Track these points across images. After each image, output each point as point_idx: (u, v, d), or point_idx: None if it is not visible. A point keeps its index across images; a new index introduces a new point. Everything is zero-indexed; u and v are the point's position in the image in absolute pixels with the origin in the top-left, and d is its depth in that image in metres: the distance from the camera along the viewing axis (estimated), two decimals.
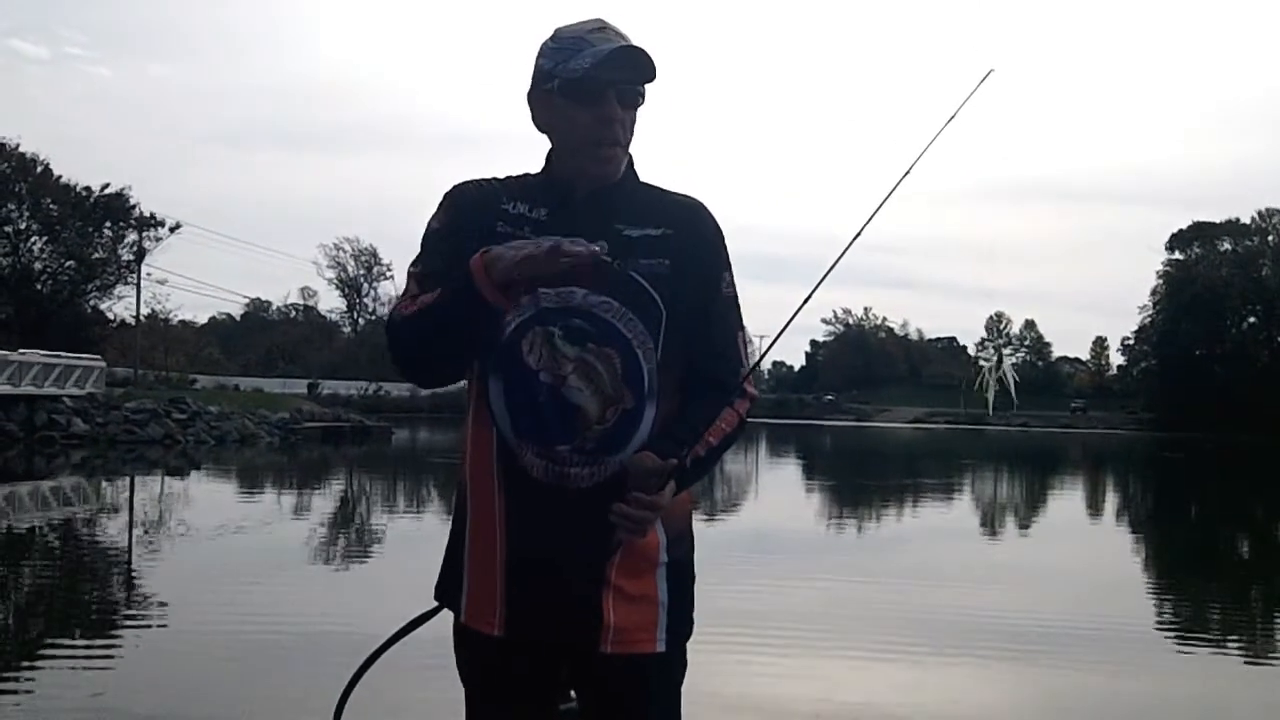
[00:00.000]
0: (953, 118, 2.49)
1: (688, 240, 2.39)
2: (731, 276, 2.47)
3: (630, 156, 2.42)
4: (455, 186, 2.45)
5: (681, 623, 2.42)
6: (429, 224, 2.43)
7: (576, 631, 2.32)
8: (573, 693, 2.47)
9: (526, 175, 2.46)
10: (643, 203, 2.41)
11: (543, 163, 2.45)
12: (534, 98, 2.40)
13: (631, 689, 2.37)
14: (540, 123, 2.42)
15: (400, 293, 2.46)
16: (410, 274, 2.39)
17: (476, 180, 2.45)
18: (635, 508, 2.23)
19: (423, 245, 2.42)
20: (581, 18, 2.39)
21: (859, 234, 2.43)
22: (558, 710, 2.48)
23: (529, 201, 2.39)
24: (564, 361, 2.30)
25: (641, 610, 2.35)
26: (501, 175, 2.47)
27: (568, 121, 2.35)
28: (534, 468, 2.33)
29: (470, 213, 2.39)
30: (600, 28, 2.34)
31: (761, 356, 2.55)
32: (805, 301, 2.40)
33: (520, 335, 2.32)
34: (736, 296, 2.48)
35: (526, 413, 2.32)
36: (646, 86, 2.38)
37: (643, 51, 2.30)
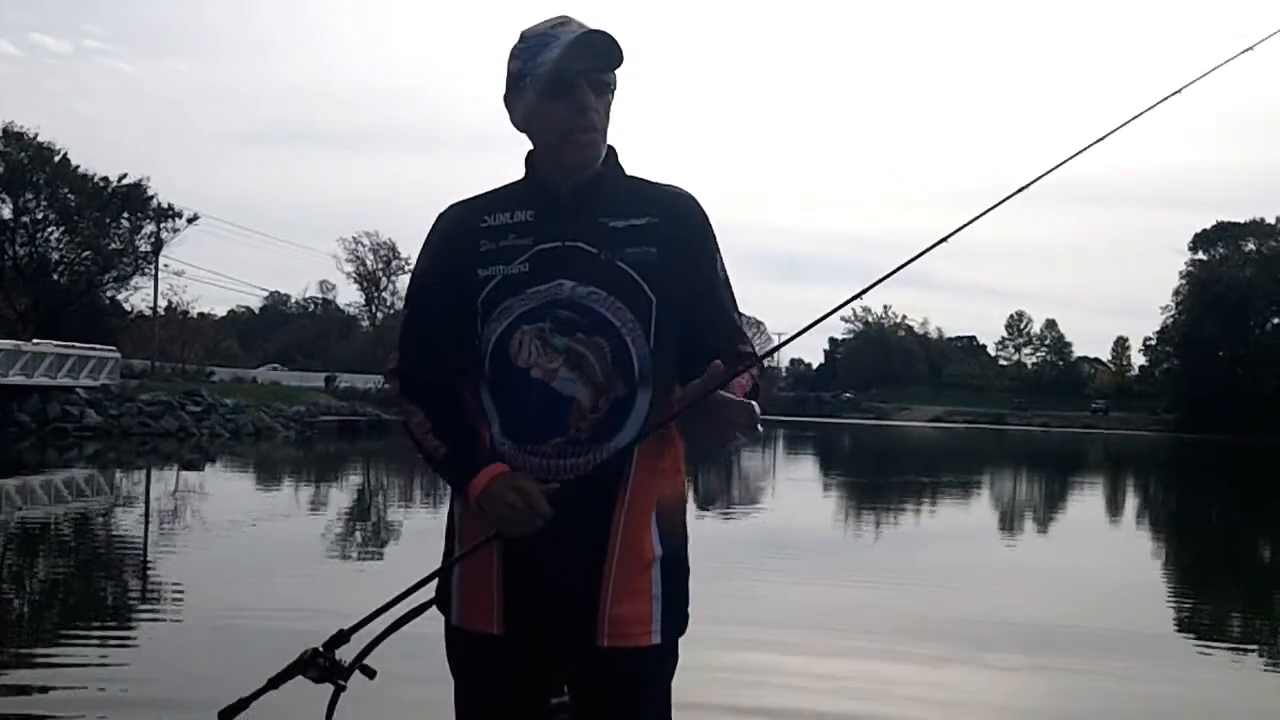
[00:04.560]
0: (1178, 92, 2.57)
1: (674, 228, 2.41)
2: (721, 260, 2.50)
3: (613, 149, 2.45)
4: (438, 217, 2.50)
5: (676, 617, 2.42)
6: (416, 264, 2.53)
7: (574, 626, 2.33)
8: (565, 687, 2.48)
9: (509, 185, 2.49)
10: (627, 194, 2.43)
11: (523, 169, 2.49)
12: (510, 100, 2.44)
13: (626, 682, 2.37)
14: (518, 123, 2.45)
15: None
16: (403, 319, 2.57)
17: (457, 204, 2.50)
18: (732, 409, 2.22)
19: (410, 289, 2.55)
20: (546, 15, 2.42)
21: (945, 239, 2.46)
22: (549, 705, 2.48)
23: (510, 209, 2.42)
24: (554, 355, 2.32)
25: (638, 604, 2.35)
26: (487, 189, 2.51)
27: (544, 117, 2.37)
28: (526, 466, 2.32)
29: (450, 244, 2.44)
30: (563, 22, 2.37)
31: (774, 349, 2.62)
32: (848, 303, 2.44)
33: (509, 336, 2.35)
34: (728, 279, 2.52)
35: (517, 411, 2.35)
36: (619, 74, 2.40)
37: (606, 35, 2.31)
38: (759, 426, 2.27)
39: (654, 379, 2.35)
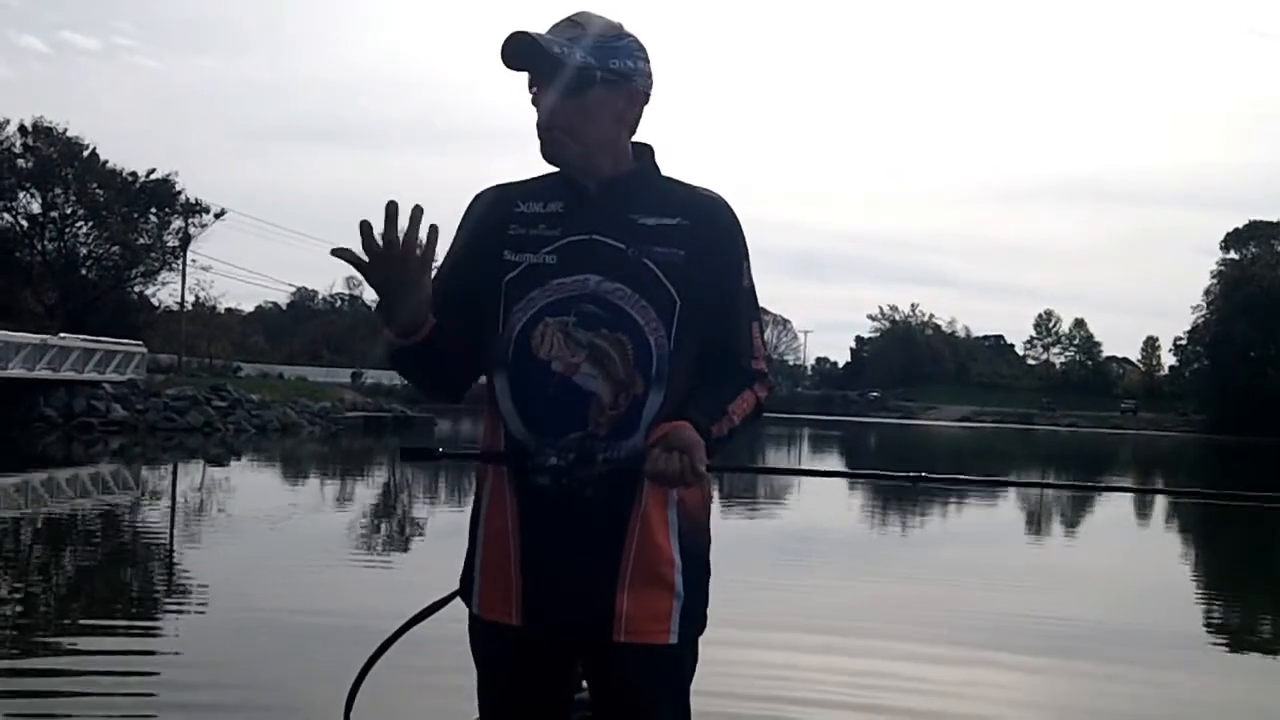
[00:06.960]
0: None
1: (704, 231, 2.41)
2: (749, 267, 2.48)
3: (649, 148, 2.46)
4: (475, 196, 2.52)
5: (695, 616, 2.41)
6: (451, 242, 2.52)
7: (591, 620, 2.33)
8: (584, 683, 2.49)
9: (545, 175, 2.48)
10: (660, 193, 2.43)
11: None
12: None
13: (642, 680, 2.37)
14: None
15: None
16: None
17: (496, 186, 2.51)
18: (674, 459, 2.20)
19: (440, 263, 2.52)
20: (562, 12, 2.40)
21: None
22: (571, 698, 2.50)
23: (544, 199, 2.43)
24: (577, 349, 2.32)
25: (655, 601, 2.34)
26: (525, 177, 2.51)
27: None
28: (544, 458, 2.32)
29: (482, 222, 2.46)
30: (560, 25, 2.37)
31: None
32: None
33: (531, 327, 2.34)
34: (753, 287, 2.50)
35: (537, 404, 2.33)
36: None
37: (516, 36, 2.29)
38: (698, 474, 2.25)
39: (670, 379, 2.34)
